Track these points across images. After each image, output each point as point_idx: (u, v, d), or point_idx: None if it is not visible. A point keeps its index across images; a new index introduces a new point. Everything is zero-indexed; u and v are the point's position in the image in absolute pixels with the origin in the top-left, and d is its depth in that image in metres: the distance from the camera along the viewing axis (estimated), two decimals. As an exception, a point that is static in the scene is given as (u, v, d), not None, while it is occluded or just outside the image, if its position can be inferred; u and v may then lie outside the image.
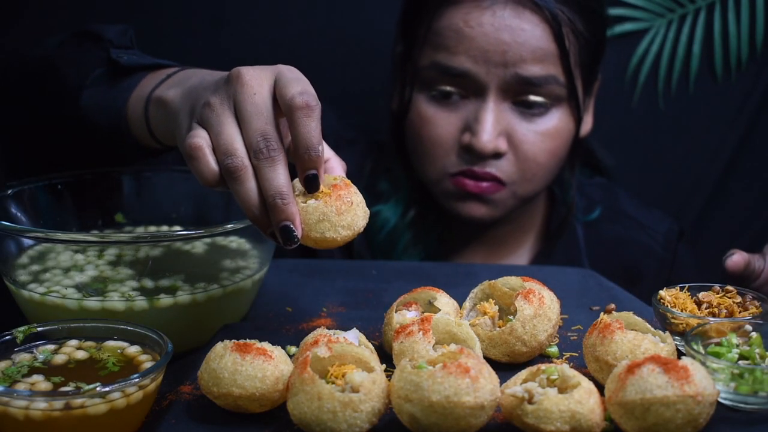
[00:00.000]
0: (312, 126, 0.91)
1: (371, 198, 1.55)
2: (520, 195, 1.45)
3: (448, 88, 1.41)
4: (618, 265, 1.55)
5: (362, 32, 1.81)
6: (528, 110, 1.40)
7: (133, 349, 0.93)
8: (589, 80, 1.47)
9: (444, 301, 1.05)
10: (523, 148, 1.40)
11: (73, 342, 0.94)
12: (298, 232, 0.91)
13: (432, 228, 1.55)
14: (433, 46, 1.41)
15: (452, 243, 1.56)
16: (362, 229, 0.95)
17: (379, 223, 1.54)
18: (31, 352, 0.92)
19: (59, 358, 0.91)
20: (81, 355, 0.92)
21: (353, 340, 0.91)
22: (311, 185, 0.92)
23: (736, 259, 1.20)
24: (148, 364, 0.90)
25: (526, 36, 1.36)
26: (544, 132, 1.41)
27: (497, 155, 1.40)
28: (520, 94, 1.39)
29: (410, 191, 1.55)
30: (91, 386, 0.82)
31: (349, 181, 0.96)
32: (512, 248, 1.58)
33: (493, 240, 1.56)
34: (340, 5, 1.82)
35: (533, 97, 1.39)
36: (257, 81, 0.93)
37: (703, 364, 0.87)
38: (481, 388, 0.80)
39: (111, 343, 0.94)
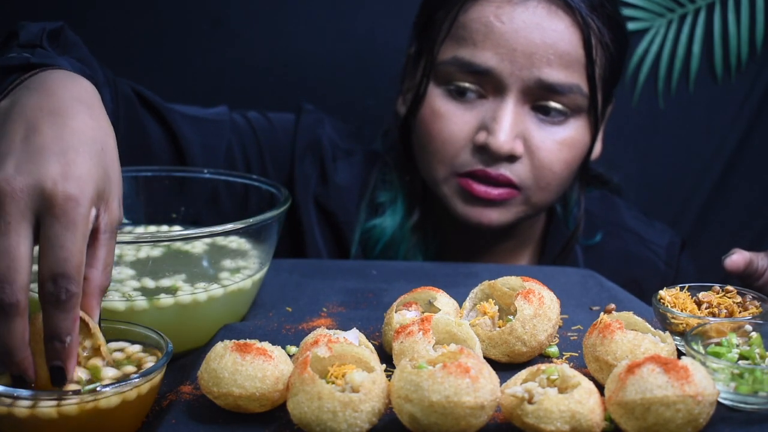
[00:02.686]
0: (60, 318, 0.81)
1: (371, 212, 1.53)
2: (533, 202, 1.41)
3: (467, 85, 1.37)
4: (619, 281, 1.54)
5: (362, 36, 1.81)
6: (547, 117, 1.37)
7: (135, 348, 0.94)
8: (606, 99, 1.44)
9: (444, 301, 1.05)
10: (539, 155, 1.37)
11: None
12: (70, 376, 0.83)
13: (431, 238, 1.52)
14: (457, 40, 1.37)
15: (449, 256, 1.54)
16: None
17: (375, 236, 1.51)
18: None
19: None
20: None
21: (353, 340, 0.91)
22: (56, 379, 0.82)
23: (735, 258, 1.18)
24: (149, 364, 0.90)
25: (555, 38, 1.33)
26: (562, 141, 1.38)
27: (512, 158, 1.36)
28: (540, 99, 1.36)
29: (409, 198, 1.51)
30: (91, 386, 0.82)
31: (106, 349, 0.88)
32: (512, 260, 1.56)
33: (490, 254, 1.54)
34: (341, 8, 1.82)
35: (554, 104, 1.36)
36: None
37: (703, 364, 0.87)
38: (481, 388, 0.80)
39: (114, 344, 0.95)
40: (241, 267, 1.15)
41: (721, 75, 1.78)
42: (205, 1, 1.82)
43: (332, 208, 1.54)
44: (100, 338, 0.87)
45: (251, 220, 1.08)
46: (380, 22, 1.79)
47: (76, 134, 0.86)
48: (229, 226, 1.06)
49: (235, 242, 1.21)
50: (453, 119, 1.38)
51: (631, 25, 1.77)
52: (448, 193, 1.41)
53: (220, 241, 1.21)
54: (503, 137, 1.34)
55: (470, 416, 0.80)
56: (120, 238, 1.10)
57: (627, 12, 1.77)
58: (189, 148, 1.44)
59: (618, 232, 1.60)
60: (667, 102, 1.81)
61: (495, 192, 1.38)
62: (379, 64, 1.74)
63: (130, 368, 0.89)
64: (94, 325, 0.86)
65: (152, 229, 1.29)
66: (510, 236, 1.51)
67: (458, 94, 1.38)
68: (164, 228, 1.29)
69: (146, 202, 1.30)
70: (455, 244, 1.53)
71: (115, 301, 1.04)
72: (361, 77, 1.81)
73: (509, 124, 1.34)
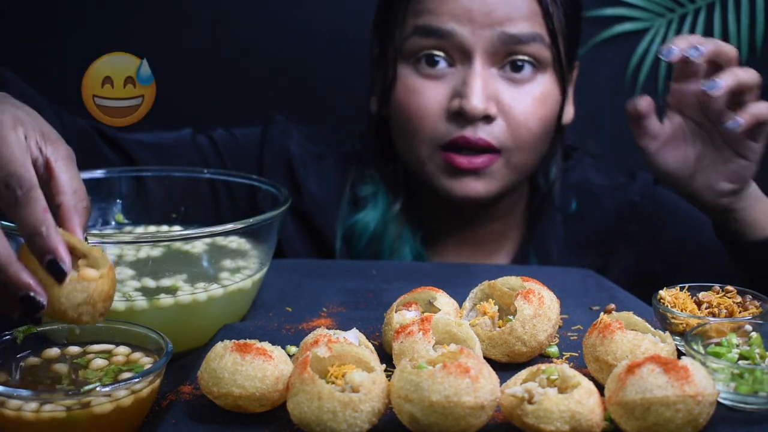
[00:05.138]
0: (26, 213, 0.82)
1: (351, 209, 1.55)
2: (514, 164, 1.43)
3: (434, 52, 1.40)
4: (607, 237, 1.55)
5: (333, 37, 1.82)
6: (515, 74, 1.40)
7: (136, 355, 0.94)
8: (569, 58, 1.47)
9: (444, 301, 1.05)
10: (513, 113, 1.40)
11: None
12: (67, 263, 0.82)
13: (417, 227, 1.53)
14: (415, 13, 1.41)
15: (437, 241, 1.55)
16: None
17: (358, 230, 1.52)
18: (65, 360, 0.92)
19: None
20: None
21: (353, 340, 0.91)
22: (55, 272, 0.82)
23: (644, 104, 1.24)
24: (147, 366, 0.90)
25: None
26: (533, 97, 1.41)
27: (488, 119, 1.39)
28: (506, 56, 1.39)
29: (391, 188, 1.53)
30: (91, 386, 0.82)
31: (107, 257, 0.87)
32: (498, 243, 1.57)
33: (478, 235, 1.55)
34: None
35: (520, 58, 1.39)
36: None
37: (703, 364, 0.87)
38: (481, 388, 0.80)
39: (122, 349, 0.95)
40: (241, 267, 1.15)
41: (721, 75, 1.78)
42: (200, 2, 1.82)
43: (309, 213, 1.55)
44: (93, 252, 0.86)
45: (251, 220, 1.08)
46: (350, 18, 1.79)
47: None
48: (229, 226, 1.06)
49: (235, 242, 1.21)
50: (426, 92, 1.41)
51: (631, 25, 1.77)
52: (433, 170, 1.44)
53: (220, 241, 1.21)
54: (476, 99, 1.37)
55: (470, 416, 0.80)
56: (120, 238, 1.10)
57: (627, 12, 1.77)
58: None
59: (589, 190, 1.60)
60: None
61: (478, 161, 1.40)
62: (350, 65, 1.76)
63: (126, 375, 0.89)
64: (79, 241, 0.85)
65: (152, 229, 1.29)
66: (495, 218, 1.53)
67: (427, 65, 1.41)
68: (164, 228, 1.29)
69: (146, 202, 1.30)
70: (442, 231, 1.54)
71: (115, 301, 1.04)
72: (332, 80, 1.82)
73: (480, 86, 1.37)
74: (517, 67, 1.40)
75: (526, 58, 1.39)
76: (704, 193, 1.27)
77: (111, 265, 0.86)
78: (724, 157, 1.24)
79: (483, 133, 1.39)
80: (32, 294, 0.81)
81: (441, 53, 1.40)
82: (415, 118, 1.42)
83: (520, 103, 1.40)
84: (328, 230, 1.54)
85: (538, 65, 1.41)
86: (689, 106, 1.26)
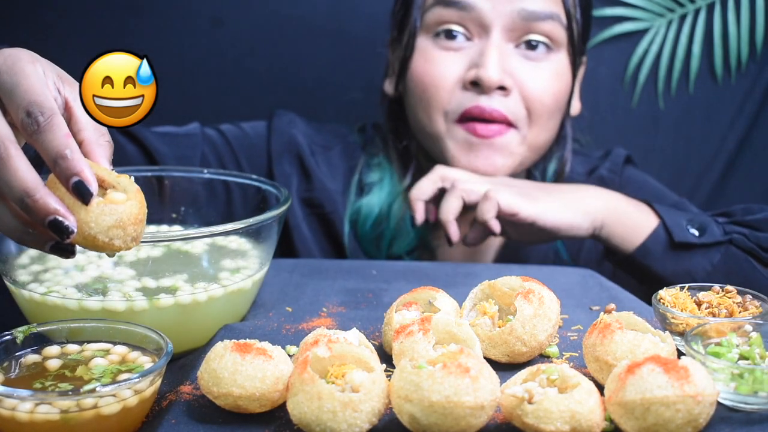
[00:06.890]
0: (49, 138, 0.83)
1: (359, 194, 1.57)
2: (529, 141, 1.46)
3: (453, 27, 1.43)
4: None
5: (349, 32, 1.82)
6: (530, 52, 1.43)
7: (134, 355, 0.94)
8: (580, 46, 1.49)
9: (444, 301, 1.05)
10: (528, 86, 1.43)
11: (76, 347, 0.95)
12: (93, 184, 0.82)
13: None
14: None
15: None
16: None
17: (363, 214, 1.55)
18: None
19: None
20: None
21: (353, 340, 0.91)
22: (81, 194, 0.82)
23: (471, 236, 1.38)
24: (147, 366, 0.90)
25: None
26: (548, 73, 1.44)
27: (503, 90, 1.41)
28: (523, 33, 1.42)
29: (401, 164, 1.55)
30: (90, 386, 0.82)
31: (134, 183, 0.88)
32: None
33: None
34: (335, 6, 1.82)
35: (536, 36, 1.42)
36: None
37: (703, 364, 0.87)
38: (481, 388, 0.80)
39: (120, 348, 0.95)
40: (241, 267, 1.15)
41: (721, 75, 1.78)
42: (200, 3, 1.82)
43: (318, 200, 1.58)
44: (121, 180, 0.87)
45: (251, 220, 1.08)
46: (372, 19, 1.79)
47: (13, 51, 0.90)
48: (229, 226, 1.06)
49: (235, 242, 1.21)
50: (444, 63, 1.44)
51: (631, 25, 1.77)
52: (452, 145, 1.46)
53: (220, 241, 1.21)
54: (492, 68, 1.40)
55: (470, 416, 0.80)
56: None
57: (627, 12, 1.77)
58: (163, 162, 1.49)
59: (573, 180, 1.62)
60: (667, 102, 1.81)
61: (493, 128, 1.43)
62: (348, 64, 1.76)
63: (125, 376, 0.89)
64: (107, 171, 0.86)
65: (152, 229, 1.29)
66: None
67: (446, 38, 1.44)
68: (164, 228, 1.29)
69: (146, 202, 1.29)
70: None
71: (115, 301, 1.04)
72: (331, 78, 1.83)
73: (496, 57, 1.41)
74: (532, 46, 1.43)
75: (541, 38, 1.43)
76: None
77: (138, 188, 0.87)
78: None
79: (498, 104, 1.42)
80: (60, 218, 0.81)
81: (460, 28, 1.43)
82: (431, 87, 1.45)
83: (535, 78, 1.43)
84: (336, 216, 1.57)
85: (552, 45, 1.44)
86: None
